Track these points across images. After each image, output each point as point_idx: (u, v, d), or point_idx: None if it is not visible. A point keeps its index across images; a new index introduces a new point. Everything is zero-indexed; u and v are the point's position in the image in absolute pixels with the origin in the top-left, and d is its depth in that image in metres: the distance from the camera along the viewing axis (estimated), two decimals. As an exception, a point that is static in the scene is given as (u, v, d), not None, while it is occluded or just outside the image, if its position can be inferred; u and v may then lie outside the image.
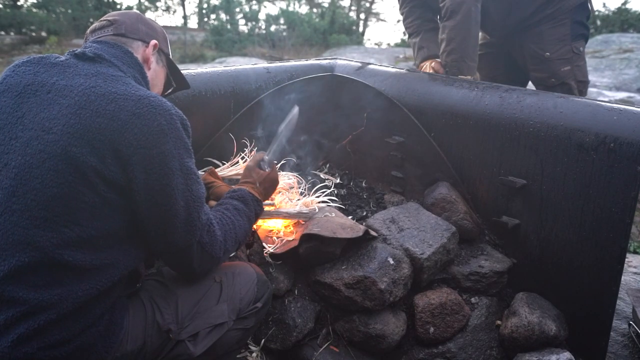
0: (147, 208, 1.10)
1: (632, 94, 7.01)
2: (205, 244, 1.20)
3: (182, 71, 1.55)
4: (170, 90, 1.53)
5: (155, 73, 1.37)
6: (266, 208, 1.75)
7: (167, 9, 20.08)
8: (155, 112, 1.08)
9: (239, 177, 1.90)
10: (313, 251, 1.65)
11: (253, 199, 1.45)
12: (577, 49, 2.32)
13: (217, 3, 17.58)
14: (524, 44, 2.41)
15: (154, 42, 1.33)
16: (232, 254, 1.56)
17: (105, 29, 1.29)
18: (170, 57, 1.46)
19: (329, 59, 2.71)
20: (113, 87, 1.10)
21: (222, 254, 1.26)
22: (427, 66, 2.41)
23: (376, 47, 17.43)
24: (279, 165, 1.74)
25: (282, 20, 16.45)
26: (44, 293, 1.02)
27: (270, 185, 1.58)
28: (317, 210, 1.78)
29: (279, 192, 1.87)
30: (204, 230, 1.19)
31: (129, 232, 1.13)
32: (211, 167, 1.77)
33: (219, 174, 1.84)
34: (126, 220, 1.11)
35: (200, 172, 1.71)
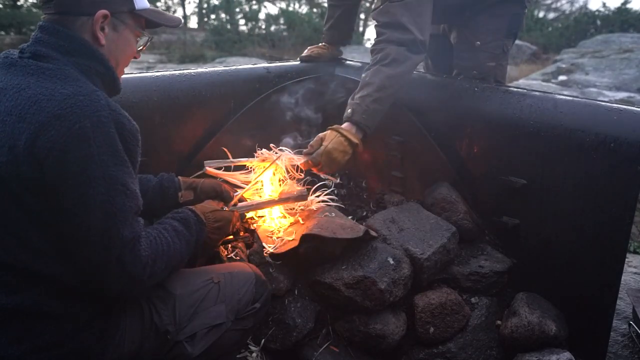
0: (61, 216, 1.02)
1: (632, 94, 7.00)
2: (126, 263, 1.06)
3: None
4: (147, 40, 1.33)
5: (114, 44, 1.20)
6: (263, 198, 1.76)
7: (167, 9, 20.04)
8: (80, 114, 0.99)
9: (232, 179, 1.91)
10: (313, 251, 1.65)
11: (196, 222, 1.33)
12: (507, 47, 2.19)
13: (217, 3, 17.54)
14: (459, 30, 2.26)
15: (100, 13, 1.14)
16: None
17: (47, 4, 1.15)
18: (138, 8, 1.22)
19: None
20: (41, 87, 1.02)
21: (147, 277, 1.11)
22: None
23: (376, 47, 17.36)
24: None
25: (282, 20, 16.42)
26: (16, 298, 1.03)
27: (223, 224, 1.47)
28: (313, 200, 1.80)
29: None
30: (126, 247, 1.06)
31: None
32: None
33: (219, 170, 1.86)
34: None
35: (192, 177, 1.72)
